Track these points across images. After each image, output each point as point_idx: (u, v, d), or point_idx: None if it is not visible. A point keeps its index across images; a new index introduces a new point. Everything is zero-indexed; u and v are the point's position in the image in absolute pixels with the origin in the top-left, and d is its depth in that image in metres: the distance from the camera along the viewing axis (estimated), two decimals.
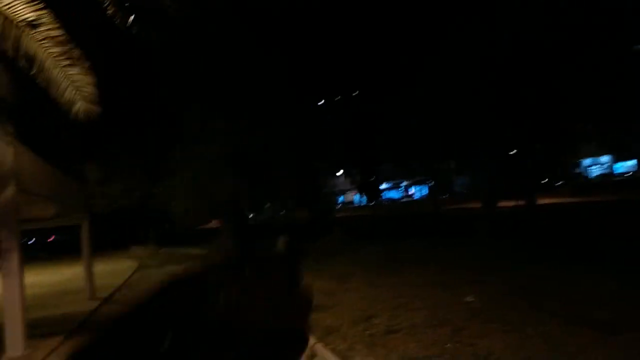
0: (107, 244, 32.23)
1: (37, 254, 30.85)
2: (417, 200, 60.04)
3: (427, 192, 64.41)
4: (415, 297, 6.87)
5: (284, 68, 19.73)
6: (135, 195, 27.39)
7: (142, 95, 23.21)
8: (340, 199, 76.81)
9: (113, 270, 16.84)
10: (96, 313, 8.60)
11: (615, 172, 49.65)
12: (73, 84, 5.33)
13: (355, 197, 64.32)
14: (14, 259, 5.78)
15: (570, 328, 4.75)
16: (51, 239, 46.40)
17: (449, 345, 4.55)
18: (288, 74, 19.91)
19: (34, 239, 43.91)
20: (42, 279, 16.00)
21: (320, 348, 4.88)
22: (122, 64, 22.48)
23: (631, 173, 46.06)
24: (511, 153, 16.46)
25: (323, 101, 27.33)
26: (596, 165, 50.32)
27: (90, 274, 10.53)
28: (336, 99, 33.44)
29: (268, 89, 19.64)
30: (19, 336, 5.67)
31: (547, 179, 27.91)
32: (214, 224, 31.08)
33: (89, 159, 25.99)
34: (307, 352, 5.07)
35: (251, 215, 56.01)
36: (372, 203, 38.42)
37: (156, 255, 23.38)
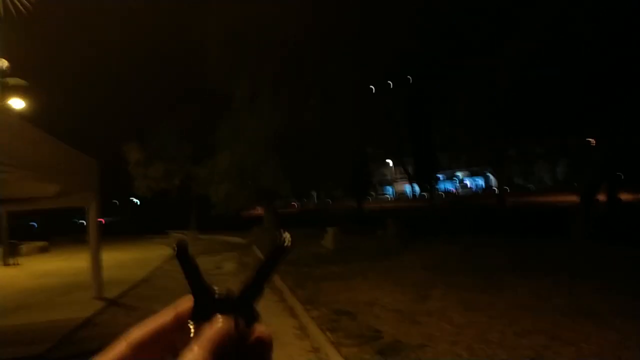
0: (147, 228, 31.20)
1: (81, 236, 30.12)
2: (474, 192, 56.20)
3: (482, 183, 60.34)
4: (555, 339, 4.25)
5: (342, 46, 17.33)
6: (177, 177, 25.95)
7: (188, 71, 21.53)
8: (389, 189, 73.85)
9: (142, 259, 15.09)
10: (89, 324, 6.52)
11: None
12: None
13: (406, 188, 61.11)
14: None
15: None
16: (102, 220, 46.36)
17: None
18: (345, 53, 17.47)
19: (82, 221, 44.07)
20: (66, 265, 14.51)
21: None
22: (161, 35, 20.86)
23: None
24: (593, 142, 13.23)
25: (373, 88, 24.80)
26: None
27: (97, 268, 8.56)
28: (390, 83, 30.75)
29: (321, 67, 17.30)
30: None
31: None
32: (260, 211, 29.23)
33: (129, 138, 24.74)
34: None
35: (296, 204, 54.26)
36: (426, 194, 35.41)
37: (194, 242, 21.65)
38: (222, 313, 0.38)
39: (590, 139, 12.69)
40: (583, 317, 4.89)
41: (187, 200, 28.00)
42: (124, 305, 7.83)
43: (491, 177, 51.30)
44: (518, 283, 6.74)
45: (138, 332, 0.40)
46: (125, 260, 14.82)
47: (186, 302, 0.42)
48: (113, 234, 30.00)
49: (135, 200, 31.41)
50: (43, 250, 19.41)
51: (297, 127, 16.75)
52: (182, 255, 0.43)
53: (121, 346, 0.39)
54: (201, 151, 22.62)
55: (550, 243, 11.25)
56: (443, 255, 10.22)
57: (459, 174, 63.78)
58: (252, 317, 0.40)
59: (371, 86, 24.79)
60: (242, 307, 0.40)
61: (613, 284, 6.34)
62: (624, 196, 16.56)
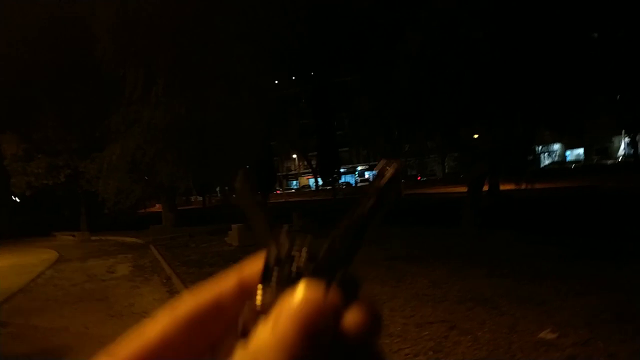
0: (30, 230, 28.13)
1: None
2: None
3: None
4: (453, 328, 4.47)
5: (246, 37, 16.82)
6: (62, 173, 23.59)
7: (75, 54, 19.45)
8: (294, 183, 74.45)
9: (21, 266, 13.48)
10: None
11: (567, 160, 50.27)
12: None
13: (310, 181, 62.10)
14: None
15: None
16: None
17: None
18: (248, 41, 16.99)
19: None
20: None
21: None
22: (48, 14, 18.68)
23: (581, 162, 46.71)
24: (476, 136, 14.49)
25: (277, 82, 24.71)
26: (546, 153, 50.54)
27: None
28: (292, 77, 30.84)
29: (223, 56, 16.65)
30: None
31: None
32: (158, 207, 27.73)
33: (5, 129, 21.95)
34: None
35: (200, 199, 52.49)
36: (329, 187, 36.33)
37: (85, 244, 19.93)
38: (309, 276, 0.25)
39: (476, 134, 13.73)
40: (476, 304, 5.21)
41: (76, 197, 25.66)
42: None
43: None
44: (416, 272, 7.05)
45: (188, 304, 0.28)
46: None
47: (254, 263, 0.29)
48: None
49: (15, 198, 28.11)
50: None
51: (198, 119, 16.01)
52: (245, 186, 0.27)
53: (163, 322, 0.26)
54: (90, 144, 20.81)
55: (442, 232, 12.04)
56: None
57: (360, 167, 66.28)
58: (352, 286, 0.26)
59: (275, 81, 24.65)
60: (336, 269, 0.26)
61: (498, 269, 6.89)
62: (506, 186, 18.33)
